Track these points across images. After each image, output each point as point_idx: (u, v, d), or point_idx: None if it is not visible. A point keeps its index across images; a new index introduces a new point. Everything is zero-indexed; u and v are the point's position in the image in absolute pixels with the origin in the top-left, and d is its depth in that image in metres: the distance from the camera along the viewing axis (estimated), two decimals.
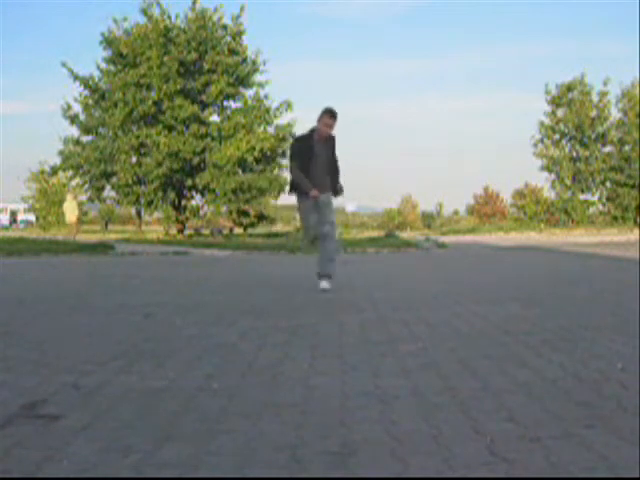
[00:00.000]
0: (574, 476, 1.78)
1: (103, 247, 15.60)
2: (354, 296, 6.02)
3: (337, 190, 6.64)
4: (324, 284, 6.48)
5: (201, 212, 28.56)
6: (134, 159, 26.10)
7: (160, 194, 26.15)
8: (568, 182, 33.53)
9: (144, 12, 26.15)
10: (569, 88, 33.16)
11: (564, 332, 3.98)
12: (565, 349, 3.45)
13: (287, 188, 6.98)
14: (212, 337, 3.92)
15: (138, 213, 29.82)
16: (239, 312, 4.97)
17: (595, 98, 33.05)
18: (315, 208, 6.55)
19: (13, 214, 51.24)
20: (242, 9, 26.38)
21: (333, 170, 6.63)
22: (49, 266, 11.10)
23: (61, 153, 26.57)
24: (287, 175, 26.64)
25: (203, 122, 25.91)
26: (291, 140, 26.01)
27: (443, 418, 2.28)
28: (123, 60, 26.03)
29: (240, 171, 25.89)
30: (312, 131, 6.57)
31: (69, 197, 26.74)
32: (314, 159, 6.49)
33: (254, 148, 24.77)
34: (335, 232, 6.71)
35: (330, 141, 6.60)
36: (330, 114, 6.48)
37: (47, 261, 12.39)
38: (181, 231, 27.43)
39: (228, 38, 26.39)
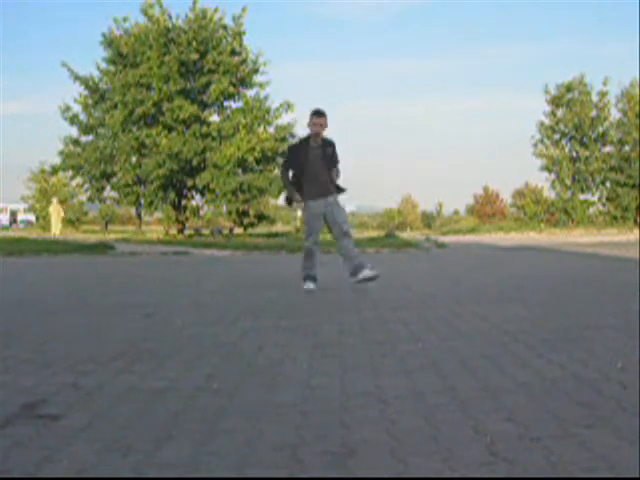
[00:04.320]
0: (574, 476, 1.78)
1: (103, 247, 15.60)
2: (354, 296, 6.02)
3: (339, 187, 6.68)
4: (366, 272, 6.48)
5: (201, 212, 28.57)
6: (134, 159, 26.12)
7: (160, 194, 26.16)
8: (568, 182, 33.51)
9: (144, 12, 26.14)
10: (569, 88, 33.14)
11: (564, 332, 3.98)
12: (565, 349, 3.45)
13: (283, 198, 7.01)
14: (212, 337, 3.92)
15: (138, 213, 29.84)
16: (239, 312, 4.97)
17: (595, 98, 33.05)
18: (320, 214, 6.59)
19: (13, 214, 51.17)
20: (245, 10, 26.36)
21: (332, 172, 6.65)
22: (49, 266, 11.10)
23: (61, 153, 26.61)
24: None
25: (203, 122, 25.91)
26: (291, 140, 26.16)
27: (443, 418, 2.28)
28: (123, 60, 26.03)
29: (240, 171, 25.90)
30: (308, 137, 6.67)
31: (54, 201, 27.68)
32: (310, 164, 6.55)
33: (254, 148, 24.77)
34: (350, 230, 6.74)
35: (329, 147, 6.64)
36: (315, 114, 6.58)
37: (47, 261, 12.38)
38: (181, 231, 27.43)
39: (229, 38, 26.37)
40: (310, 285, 6.53)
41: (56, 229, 27.64)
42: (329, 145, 6.67)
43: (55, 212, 28.13)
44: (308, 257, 6.63)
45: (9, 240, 19.22)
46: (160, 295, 6.31)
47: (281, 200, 7.77)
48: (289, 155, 6.90)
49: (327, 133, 6.72)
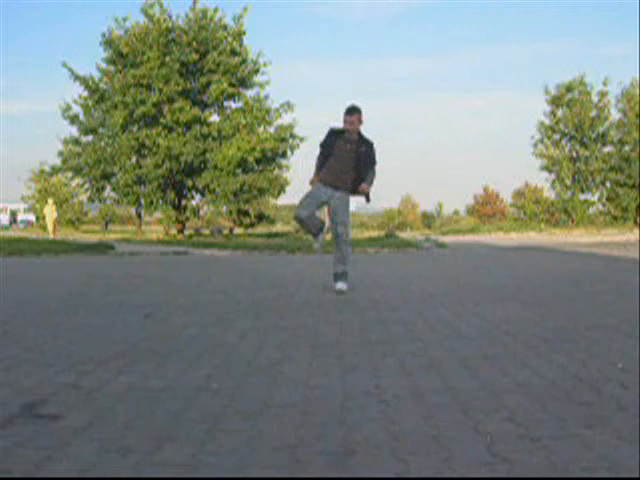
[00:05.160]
0: (574, 476, 1.78)
1: (103, 247, 15.60)
2: (354, 296, 6.02)
3: (359, 190, 6.43)
4: (339, 285, 6.37)
5: (201, 212, 28.59)
6: (134, 160, 26.12)
7: (160, 194, 26.17)
8: (568, 182, 33.56)
9: (145, 12, 26.13)
10: (569, 88, 33.18)
11: (564, 332, 3.98)
12: (565, 349, 3.45)
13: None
14: (212, 337, 3.92)
15: (138, 213, 29.86)
16: (239, 312, 4.97)
17: (595, 98, 33.08)
18: (322, 200, 6.49)
19: (13, 214, 51.18)
20: (246, 10, 26.35)
21: (359, 172, 6.40)
22: (49, 266, 11.10)
23: (60, 154, 26.61)
24: (288, 175, 26.88)
25: (203, 123, 25.91)
26: (291, 141, 26.19)
27: (443, 418, 2.27)
28: (123, 60, 26.02)
29: (240, 171, 25.89)
30: (344, 129, 6.46)
31: (49, 202, 28.23)
32: (334, 154, 6.40)
33: (254, 149, 24.75)
34: (347, 232, 6.55)
35: (364, 146, 6.41)
36: (346, 111, 6.37)
37: (47, 261, 12.38)
38: (181, 231, 27.44)
39: (229, 38, 26.37)
40: (339, 286, 6.36)
41: (50, 230, 27.81)
42: (365, 144, 6.43)
43: (49, 213, 28.40)
44: (305, 222, 6.51)
45: (9, 240, 19.22)
46: (160, 295, 6.31)
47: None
48: (325, 136, 6.58)
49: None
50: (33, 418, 2.31)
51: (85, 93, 26.56)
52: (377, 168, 6.55)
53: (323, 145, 6.56)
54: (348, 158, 6.40)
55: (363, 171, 6.42)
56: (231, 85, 25.91)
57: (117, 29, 26.29)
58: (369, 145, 6.48)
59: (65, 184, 36.78)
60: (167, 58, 25.32)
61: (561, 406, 2.41)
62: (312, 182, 6.51)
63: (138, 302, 5.62)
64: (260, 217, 28.51)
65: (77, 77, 26.17)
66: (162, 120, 25.26)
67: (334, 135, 6.49)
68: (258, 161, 25.51)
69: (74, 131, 26.85)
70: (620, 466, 1.83)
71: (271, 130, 26.33)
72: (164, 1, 26.33)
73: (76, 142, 26.76)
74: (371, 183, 6.48)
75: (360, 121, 6.42)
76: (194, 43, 25.60)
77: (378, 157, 6.53)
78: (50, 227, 28.05)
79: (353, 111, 6.38)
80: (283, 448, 1.99)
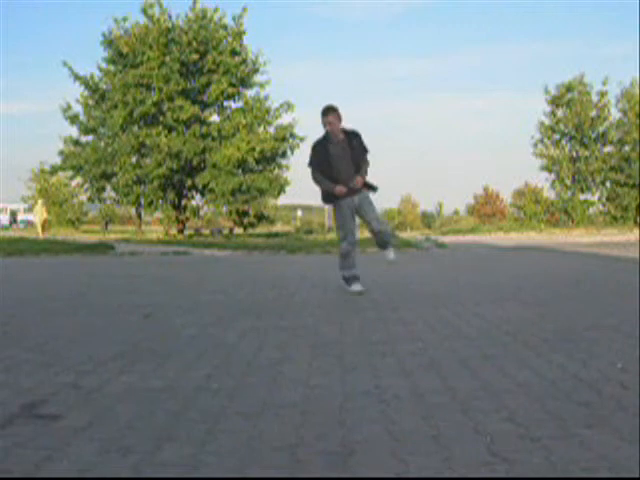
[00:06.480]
0: (574, 476, 1.78)
1: (103, 247, 15.61)
2: (354, 296, 6.02)
3: (351, 186, 6.20)
4: (390, 255, 6.52)
5: (201, 212, 28.61)
6: (134, 159, 26.14)
7: (160, 194, 26.18)
8: (568, 182, 33.54)
9: (145, 12, 26.15)
10: (569, 88, 33.16)
11: (564, 332, 3.98)
12: (565, 349, 3.44)
13: (320, 198, 6.51)
14: (212, 337, 3.92)
15: (138, 213, 29.88)
16: (239, 312, 4.97)
17: (595, 98, 33.08)
18: (352, 212, 6.32)
19: (13, 214, 51.20)
20: (245, 10, 26.38)
21: (359, 167, 6.27)
22: (49, 266, 11.10)
23: (61, 153, 26.64)
24: (288, 175, 26.82)
25: (203, 122, 25.93)
26: (291, 140, 26.18)
27: (443, 418, 2.27)
28: (124, 60, 26.05)
29: (240, 171, 25.90)
30: (326, 134, 6.29)
31: (40, 202, 28.50)
32: (333, 161, 6.21)
33: (254, 149, 24.76)
34: (385, 225, 6.62)
35: (352, 139, 6.27)
36: (322, 113, 6.23)
37: (47, 261, 12.38)
38: (181, 231, 27.45)
39: (229, 38, 26.40)
40: (357, 287, 6.27)
41: (39, 230, 27.88)
42: (352, 136, 6.29)
43: (39, 213, 28.51)
44: (345, 258, 6.41)
45: (9, 240, 19.23)
46: (160, 295, 6.31)
47: (321, 199, 7.32)
48: (311, 154, 6.37)
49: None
50: (33, 418, 2.31)
51: (85, 93, 26.60)
52: (381, 168, 6.58)
53: (314, 163, 6.31)
54: (344, 160, 6.21)
55: (361, 164, 6.29)
56: (231, 85, 25.92)
57: (117, 29, 26.33)
58: (357, 135, 6.34)
59: (65, 184, 36.83)
60: (167, 58, 25.34)
61: (561, 406, 2.41)
62: (340, 190, 6.20)
63: (138, 302, 5.62)
64: (260, 217, 28.50)
65: (77, 77, 26.20)
66: (162, 119, 25.28)
67: (317, 147, 6.29)
68: (258, 161, 25.53)
69: (74, 131, 26.90)
70: (620, 466, 1.83)
71: (271, 130, 26.34)
72: (164, 1, 26.41)
73: (76, 142, 26.79)
74: (365, 173, 6.33)
75: (339, 118, 6.25)
76: (194, 43, 25.61)
77: (368, 145, 6.39)
78: (39, 227, 28.18)
79: (326, 112, 6.20)
80: (283, 448, 1.99)
